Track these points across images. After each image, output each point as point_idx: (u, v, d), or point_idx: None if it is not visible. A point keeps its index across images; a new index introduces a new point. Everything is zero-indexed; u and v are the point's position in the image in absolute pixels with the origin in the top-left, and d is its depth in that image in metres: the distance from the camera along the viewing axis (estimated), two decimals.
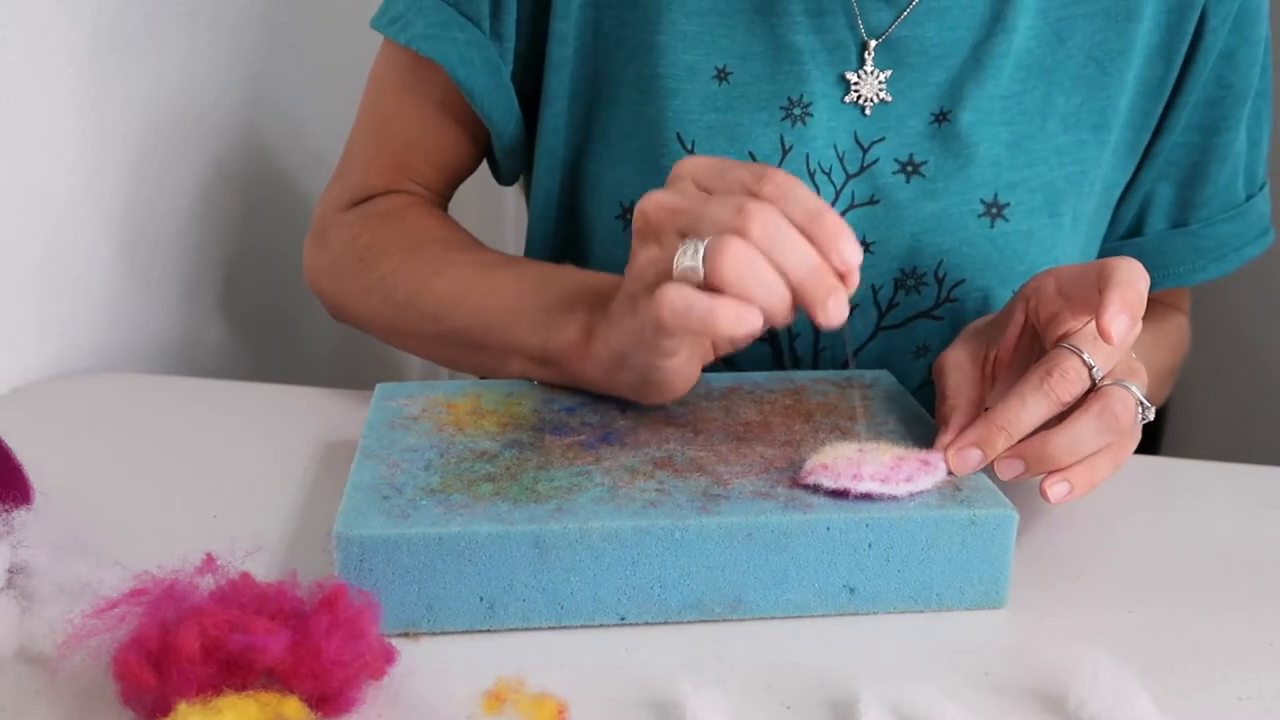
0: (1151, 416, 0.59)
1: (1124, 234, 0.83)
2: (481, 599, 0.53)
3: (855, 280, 0.54)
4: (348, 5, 1.15)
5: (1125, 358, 0.59)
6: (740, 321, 0.53)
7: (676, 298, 0.53)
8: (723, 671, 0.51)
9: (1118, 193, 0.80)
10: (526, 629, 0.54)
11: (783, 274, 0.53)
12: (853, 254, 0.53)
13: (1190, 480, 0.71)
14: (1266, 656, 0.53)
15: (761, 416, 0.64)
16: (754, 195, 0.54)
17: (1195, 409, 1.04)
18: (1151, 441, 1.05)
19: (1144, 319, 0.83)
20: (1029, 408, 0.57)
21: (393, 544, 0.52)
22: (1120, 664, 0.49)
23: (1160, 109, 0.78)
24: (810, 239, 0.53)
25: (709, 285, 0.53)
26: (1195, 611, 0.56)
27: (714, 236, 0.53)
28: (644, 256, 0.57)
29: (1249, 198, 0.82)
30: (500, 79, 0.78)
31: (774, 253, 0.52)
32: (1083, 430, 0.56)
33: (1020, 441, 0.57)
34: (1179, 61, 0.76)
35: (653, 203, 0.56)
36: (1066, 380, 0.57)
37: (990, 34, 0.74)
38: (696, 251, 0.53)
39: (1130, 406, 0.57)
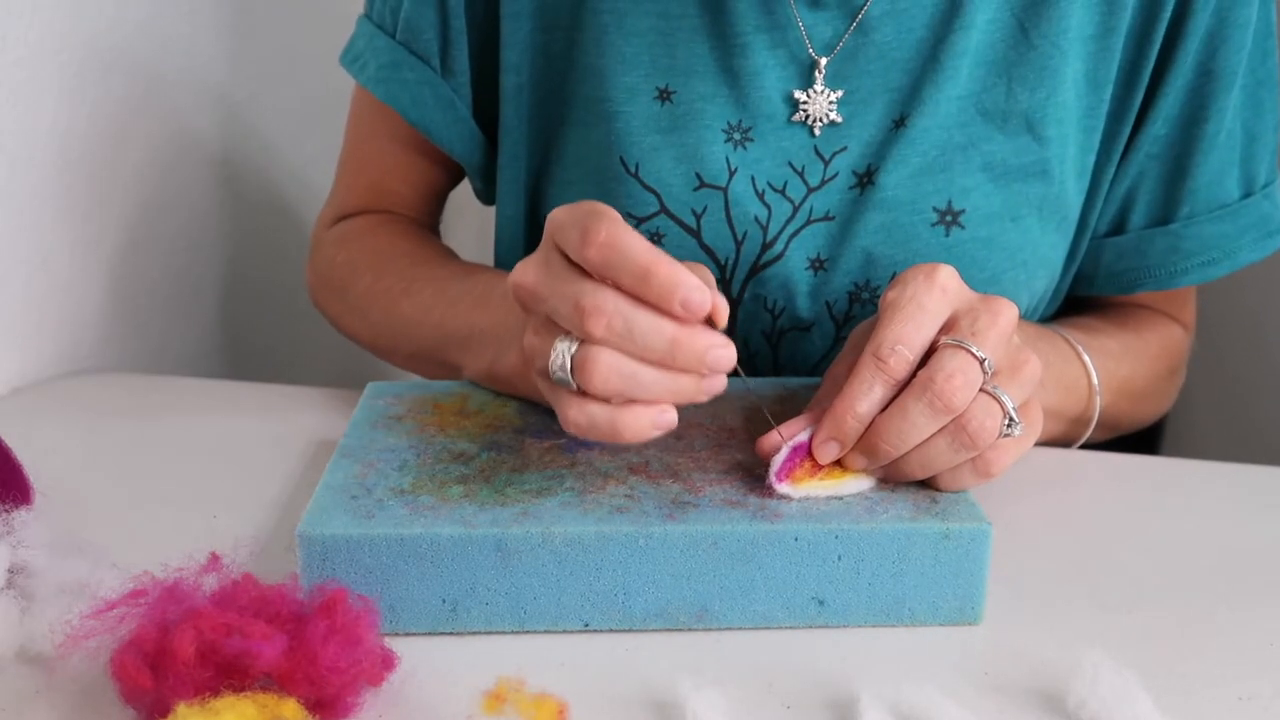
0: (1009, 402, 0.55)
1: (1106, 231, 0.79)
2: (444, 601, 0.53)
3: (723, 315, 0.52)
4: None
5: (1009, 348, 0.57)
6: (652, 425, 0.52)
7: (579, 415, 0.53)
8: (723, 671, 0.51)
9: (1099, 187, 0.77)
10: (526, 630, 0.54)
11: (647, 361, 0.52)
12: (697, 300, 0.51)
13: (1190, 480, 0.71)
14: (1266, 656, 0.53)
15: (747, 422, 0.63)
16: (585, 262, 0.52)
17: (1195, 409, 1.04)
18: (1151, 441, 1.05)
19: (1121, 325, 0.82)
20: (909, 418, 0.54)
21: (355, 544, 0.52)
22: (1120, 664, 0.49)
23: (1139, 97, 0.75)
24: (649, 303, 0.51)
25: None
26: (1195, 611, 0.56)
27: (575, 348, 0.52)
28: (526, 339, 0.56)
29: (1245, 196, 0.78)
30: (456, 113, 0.80)
31: (628, 347, 0.51)
32: (910, 412, 0.54)
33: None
34: (1155, 46, 0.73)
35: (516, 280, 0.55)
36: (952, 385, 0.54)
37: (949, 31, 0.71)
38: (565, 365, 0.52)
39: (960, 381, 0.53)
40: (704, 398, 0.53)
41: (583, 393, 0.53)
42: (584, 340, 0.52)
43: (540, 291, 0.54)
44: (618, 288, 0.52)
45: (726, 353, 0.52)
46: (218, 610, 0.47)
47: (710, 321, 0.53)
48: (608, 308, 0.51)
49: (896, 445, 0.55)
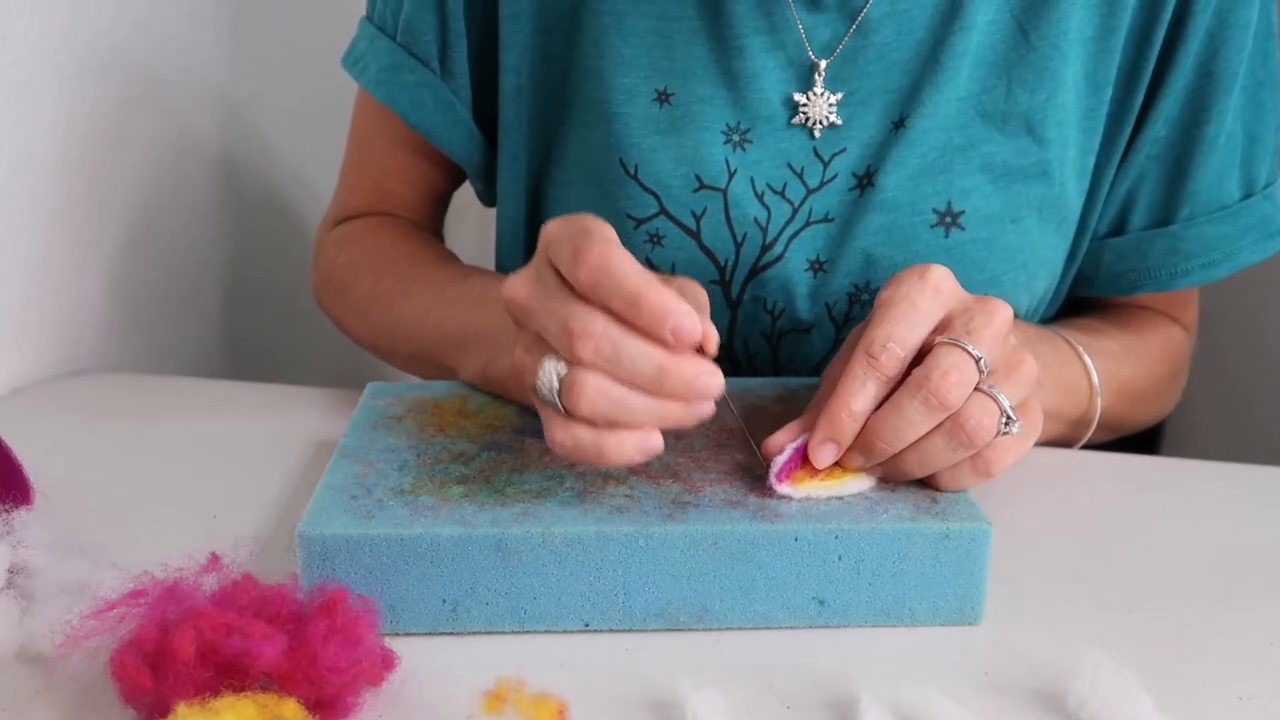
0: (1005, 401, 0.55)
1: (1107, 232, 0.79)
2: (444, 601, 0.53)
3: (713, 342, 0.52)
4: None
5: (1004, 347, 0.57)
6: (636, 450, 0.52)
7: (564, 437, 0.52)
8: (723, 671, 0.51)
9: (1099, 188, 0.77)
10: (526, 630, 0.54)
11: (635, 386, 0.51)
12: (687, 328, 0.50)
13: (1190, 480, 0.71)
14: (1266, 656, 0.53)
15: (747, 423, 0.63)
16: (576, 283, 0.51)
17: (1195, 409, 1.04)
18: (1151, 441, 1.05)
19: (1122, 327, 0.82)
20: (904, 415, 0.54)
21: (355, 544, 0.52)
22: (1120, 664, 0.49)
23: (1139, 99, 0.74)
24: (639, 330, 0.51)
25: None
26: (1195, 611, 0.56)
27: (563, 370, 0.52)
28: (516, 354, 0.56)
29: (1245, 197, 0.77)
30: (455, 115, 0.80)
31: (616, 372, 0.51)
32: (905, 410, 0.54)
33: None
34: (1155, 48, 0.73)
35: (508, 294, 0.55)
36: (948, 382, 0.54)
37: (948, 33, 0.71)
38: (553, 386, 0.52)
39: (956, 378, 0.53)
40: (691, 422, 0.53)
41: (570, 414, 0.52)
42: (572, 363, 0.52)
43: (531, 307, 0.54)
44: (608, 311, 0.51)
45: (715, 380, 0.52)
46: (218, 610, 0.47)
47: (700, 348, 0.52)
48: (596, 331, 0.51)
49: (892, 442, 0.55)
